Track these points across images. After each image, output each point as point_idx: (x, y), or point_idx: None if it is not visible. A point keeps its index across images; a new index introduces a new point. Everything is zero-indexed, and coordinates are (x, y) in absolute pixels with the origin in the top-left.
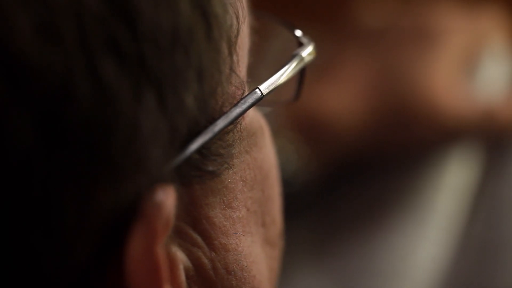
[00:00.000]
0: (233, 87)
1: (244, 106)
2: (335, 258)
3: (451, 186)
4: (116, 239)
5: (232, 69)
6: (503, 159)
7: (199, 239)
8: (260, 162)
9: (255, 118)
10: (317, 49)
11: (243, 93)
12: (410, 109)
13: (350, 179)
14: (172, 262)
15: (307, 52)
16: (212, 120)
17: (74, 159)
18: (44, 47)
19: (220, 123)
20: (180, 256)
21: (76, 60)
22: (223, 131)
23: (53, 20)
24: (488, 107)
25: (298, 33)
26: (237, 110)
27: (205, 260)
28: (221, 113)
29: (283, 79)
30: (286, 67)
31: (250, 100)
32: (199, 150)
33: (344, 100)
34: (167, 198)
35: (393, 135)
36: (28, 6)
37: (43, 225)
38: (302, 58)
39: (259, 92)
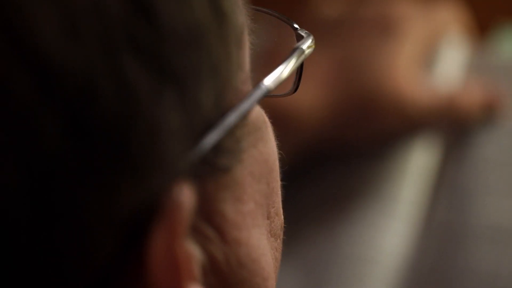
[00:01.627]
0: (241, 83)
1: (252, 101)
2: (301, 246)
3: (414, 173)
4: (137, 238)
5: (239, 65)
6: (462, 145)
7: (212, 234)
8: (265, 155)
9: (259, 112)
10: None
11: (250, 88)
12: (373, 99)
13: (314, 169)
14: (189, 258)
15: (307, 44)
16: (224, 116)
17: (98, 158)
18: (67, 46)
19: (231, 119)
20: (195, 252)
21: (99, 59)
22: (234, 127)
23: (75, 20)
24: (447, 96)
25: (297, 26)
26: (246, 105)
27: (219, 255)
28: (231, 109)
29: (286, 72)
30: (288, 60)
31: (257, 94)
32: (212, 146)
33: (305, 91)
34: (187, 195)
35: (357, 125)
36: (51, 6)
37: (67, 222)
38: (303, 51)
39: (264, 87)
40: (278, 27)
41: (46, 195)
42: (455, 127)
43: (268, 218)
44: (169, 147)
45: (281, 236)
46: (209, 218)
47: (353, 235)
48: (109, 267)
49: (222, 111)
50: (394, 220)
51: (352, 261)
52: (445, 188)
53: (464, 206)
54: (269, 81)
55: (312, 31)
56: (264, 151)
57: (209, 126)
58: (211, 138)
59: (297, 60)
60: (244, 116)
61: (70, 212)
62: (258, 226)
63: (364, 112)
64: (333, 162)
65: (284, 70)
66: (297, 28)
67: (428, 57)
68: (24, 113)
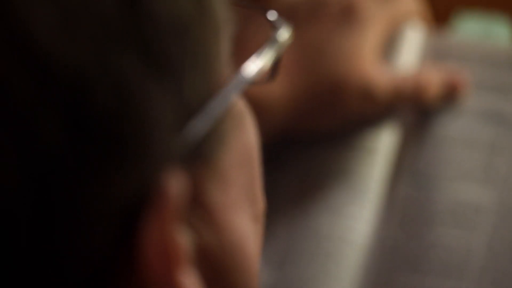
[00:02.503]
0: (223, 72)
1: (234, 90)
2: (273, 226)
3: (380, 154)
4: (130, 228)
5: (221, 55)
6: (425, 125)
7: (200, 221)
8: (247, 142)
9: (238, 101)
10: (240, 30)
11: (232, 77)
12: (340, 85)
13: (284, 155)
14: (180, 246)
15: (284, 34)
16: (207, 105)
17: (93, 151)
18: (62, 42)
19: (214, 107)
20: (186, 239)
21: (91, 54)
22: (217, 115)
23: (69, 16)
24: (410, 80)
25: (272, 16)
26: (228, 94)
27: (207, 242)
28: (214, 98)
29: (264, 61)
30: (269, 49)
31: (238, 83)
32: (197, 134)
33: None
34: (175, 183)
35: (324, 111)
36: (45, 2)
37: (65, 217)
38: (279, 40)
39: (245, 75)
40: (251, 15)
41: (46, 192)
42: (419, 109)
43: (250, 204)
44: (158, 137)
45: (262, 221)
46: (196, 206)
47: (323, 215)
48: (105, 259)
49: (206, 100)
50: (362, 199)
51: (322, 240)
52: (410, 166)
53: (429, 184)
54: (250, 69)
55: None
56: (245, 137)
57: (194, 115)
58: (196, 127)
59: (276, 49)
60: (227, 105)
61: (69, 208)
62: (242, 212)
63: (331, 98)
64: (301, 147)
65: (266, 59)
66: (272, 19)
67: (389, 44)
68: (22, 110)
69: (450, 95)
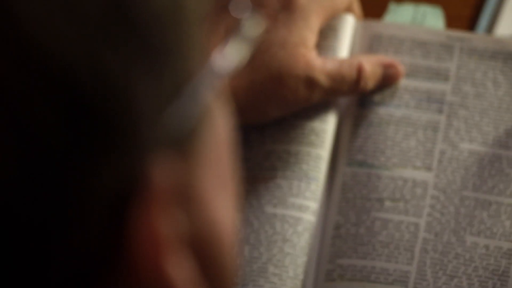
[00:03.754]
0: (198, 63)
1: (208, 80)
2: None
3: (325, 137)
4: (120, 217)
5: (199, 44)
6: (365, 109)
7: (184, 207)
8: (223, 126)
9: (217, 87)
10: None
11: (205, 68)
12: (287, 74)
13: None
14: (168, 233)
15: (252, 25)
16: (186, 92)
17: (85, 140)
18: (49, 34)
19: (192, 94)
20: (173, 227)
21: (78, 45)
22: (193, 103)
23: (55, 10)
24: (350, 66)
25: (241, 7)
26: (203, 83)
27: (192, 228)
28: (191, 85)
29: (234, 52)
30: (234, 41)
31: (211, 74)
32: (177, 121)
33: None
34: (162, 171)
35: (269, 101)
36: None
37: (60, 209)
38: (247, 32)
39: (217, 66)
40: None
41: (38, 184)
42: (359, 93)
43: (231, 185)
44: (143, 125)
45: (237, 206)
46: (180, 192)
47: (274, 196)
48: (97, 250)
49: (184, 88)
50: (309, 180)
51: (274, 220)
52: (349, 149)
53: (368, 167)
54: (220, 61)
55: (223, 9)
56: (221, 124)
57: (174, 102)
58: (176, 115)
59: (243, 40)
60: (202, 94)
61: (60, 198)
62: (224, 195)
63: (275, 87)
64: (252, 133)
65: (232, 51)
66: (241, 10)
67: (327, 32)
68: (12, 101)
69: (386, 80)
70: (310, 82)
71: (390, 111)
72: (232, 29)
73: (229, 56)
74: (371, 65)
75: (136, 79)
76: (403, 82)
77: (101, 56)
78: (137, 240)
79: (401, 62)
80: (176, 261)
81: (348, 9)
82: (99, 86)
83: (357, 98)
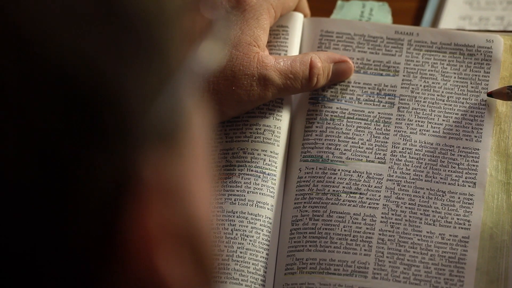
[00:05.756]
0: (178, 62)
1: (186, 78)
2: None
3: (280, 132)
4: (113, 211)
5: (178, 44)
6: (317, 104)
7: (171, 201)
8: (200, 124)
9: (192, 83)
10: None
11: (183, 67)
12: (243, 72)
13: None
14: (157, 227)
15: (223, 26)
16: (167, 90)
17: (81, 135)
18: (44, 29)
19: (174, 92)
20: (163, 219)
21: (66, 39)
22: (175, 100)
23: (50, 9)
24: (301, 63)
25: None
26: (183, 81)
27: (180, 221)
28: (172, 81)
29: (209, 52)
30: (208, 41)
31: (189, 72)
32: (163, 118)
33: None
34: (150, 166)
35: (225, 100)
36: None
37: (58, 203)
38: (219, 33)
39: (194, 65)
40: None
41: (39, 176)
42: (312, 89)
43: (208, 182)
44: (131, 119)
45: (215, 199)
46: (168, 185)
47: (232, 194)
48: (92, 243)
49: (167, 83)
50: (265, 176)
51: (233, 217)
52: (303, 144)
53: (322, 161)
54: (200, 57)
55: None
56: (200, 118)
57: (159, 98)
58: (161, 109)
59: (222, 43)
60: (185, 89)
61: (57, 192)
62: (204, 189)
63: (229, 86)
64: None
65: (213, 49)
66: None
67: (278, 31)
68: (13, 97)
69: (338, 76)
70: (264, 81)
71: (342, 106)
72: (205, 30)
73: (204, 55)
74: (322, 62)
75: (126, 76)
76: (354, 77)
77: (92, 53)
78: (129, 235)
79: (351, 58)
80: (167, 255)
81: (297, 7)
82: (91, 81)
83: (309, 94)
